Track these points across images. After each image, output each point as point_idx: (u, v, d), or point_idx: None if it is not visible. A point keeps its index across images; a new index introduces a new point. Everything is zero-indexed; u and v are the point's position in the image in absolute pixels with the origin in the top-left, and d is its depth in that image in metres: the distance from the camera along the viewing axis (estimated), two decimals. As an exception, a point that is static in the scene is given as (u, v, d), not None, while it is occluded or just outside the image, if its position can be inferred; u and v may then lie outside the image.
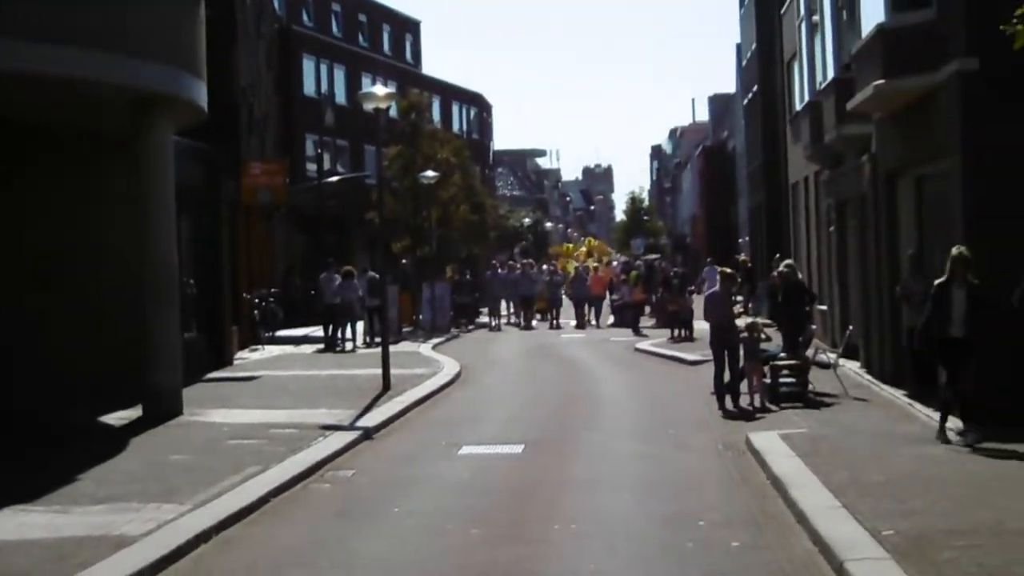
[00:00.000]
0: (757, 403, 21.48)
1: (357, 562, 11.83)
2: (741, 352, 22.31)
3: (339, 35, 68.37)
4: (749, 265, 49.28)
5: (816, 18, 31.31)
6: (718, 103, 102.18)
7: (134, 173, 21.24)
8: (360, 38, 71.80)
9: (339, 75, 62.92)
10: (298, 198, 49.24)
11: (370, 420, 20.88)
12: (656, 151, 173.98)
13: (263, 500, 14.43)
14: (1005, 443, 16.14)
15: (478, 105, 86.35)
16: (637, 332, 43.05)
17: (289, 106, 56.29)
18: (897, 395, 21.78)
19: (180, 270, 22.71)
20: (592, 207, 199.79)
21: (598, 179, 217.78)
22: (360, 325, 38.86)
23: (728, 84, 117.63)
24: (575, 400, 24.86)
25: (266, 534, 13.13)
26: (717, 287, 23.73)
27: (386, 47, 75.90)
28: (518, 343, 41.50)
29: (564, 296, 52.67)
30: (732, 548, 11.85)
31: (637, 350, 36.31)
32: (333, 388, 25.49)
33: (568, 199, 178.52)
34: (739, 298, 35.31)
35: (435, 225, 48.16)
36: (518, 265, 53.65)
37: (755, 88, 52.19)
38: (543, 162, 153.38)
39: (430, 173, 44.10)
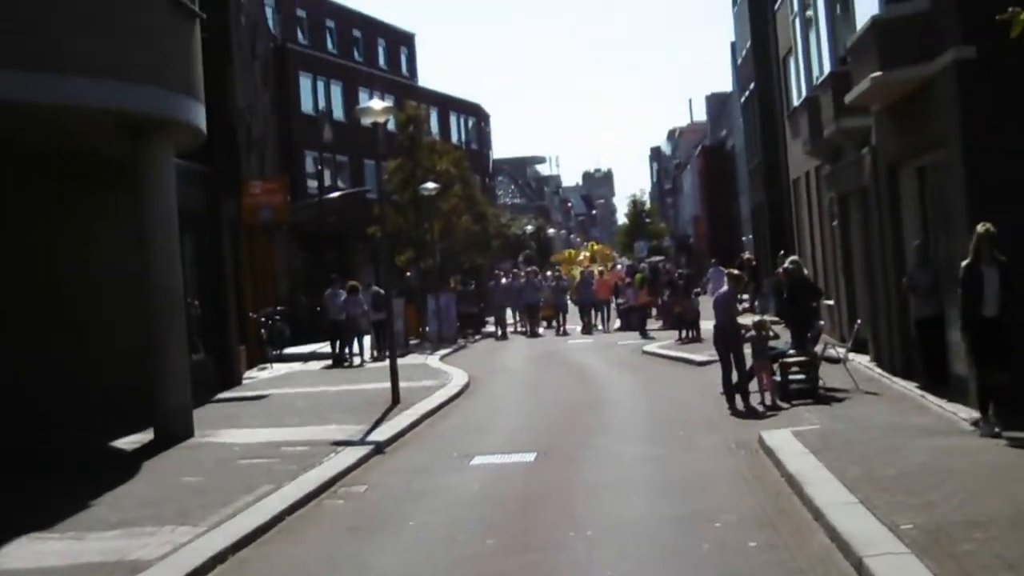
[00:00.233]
0: (768, 401, 21.43)
1: (373, 577, 11.80)
2: (748, 352, 22.27)
3: (334, 51, 68.44)
4: (754, 263, 49.31)
5: (810, 12, 31.28)
6: (715, 102, 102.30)
7: (135, 196, 21.24)
8: (355, 53, 71.87)
9: (336, 91, 63.00)
10: (299, 215, 49.22)
11: (381, 434, 20.84)
12: (655, 153, 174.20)
13: (277, 519, 14.39)
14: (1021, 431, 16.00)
15: (476, 115, 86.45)
16: (644, 335, 43.05)
17: (287, 124, 56.38)
18: (909, 387, 21.73)
19: (185, 292, 22.69)
20: (594, 212, 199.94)
21: (598, 183, 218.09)
22: (367, 340, 38.87)
23: (724, 83, 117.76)
24: (585, 406, 24.80)
25: (282, 552, 13.09)
26: (725, 288, 23.68)
27: (382, 61, 75.98)
28: (525, 351, 41.48)
29: (569, 302, 52.66)
30: (749, 548, 11.79)
31: (645, 353, 36.28)
32: (343, 404, 25.46)
33: (569, 205, 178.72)
34: (744, 297, 35.35)
35: (438, 237, 48.18)
36: (522, 273, 53.69)
37: (752, 85, 52.17)
38: (543, 169, 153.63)
39: (430, 185, 44.11)
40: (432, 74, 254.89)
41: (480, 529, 13.58)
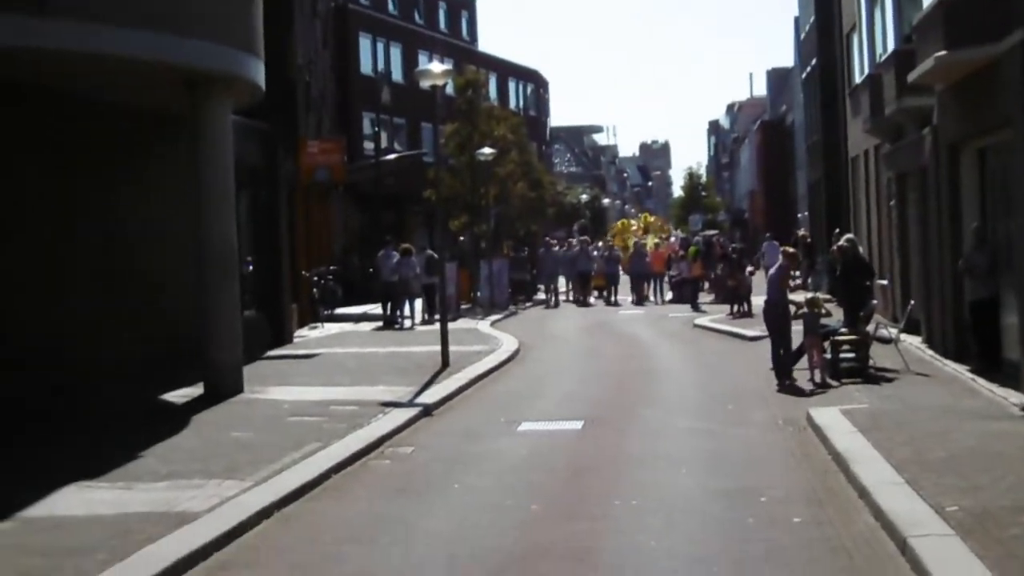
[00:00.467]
0: (817, 379, 21.33)
1: (417, 538, 11.84)
2: (798, 329, 22.15)
3: (395, 13, 68.39)
4: (808, 240, 49.12)
5: (876, -10, 31.03)
6: (776, 77, 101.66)
7: (193, 152, 21.35)
8: (416, 16, 71.78)
9: (395, 53, 62.98)
10: (356, 176, 49.37)
11: (429, 397, 20.91)
12: (713, 126, 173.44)
13: (324, 476, 14.48)
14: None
15: (534, 82, 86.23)
16: (696, 308, 42.94)
17: (346, 85, 56.45)
18: (960, 370, 21.58)
19: (240, 249, 22.79)
20: (650, 183, 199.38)
21: (655, 155, 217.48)
22: (419, 303, 38.94)
23: (786, 58, 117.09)
24: (634, 376, 24.80)
25: (327, 510, 13.17)
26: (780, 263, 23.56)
27: (442, 25, 75.85)
28: (576, 320, 41.47)
29: (621, 272, 52.58)
30: (793, 524, 11.78)
31: (696, 326, 36.20)
32: (392, 365, 25.55)
33: (625, 175, 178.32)
34: (796, 274, 35.17)
35: (493, 202, 48.15)
36: (575, 242, 53.65)
37: (813, 61, 51.80)
38: (600, 138, 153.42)
39: (487, 150, 44.06)
40: (492, 39, 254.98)
41: (526, 494, 13.61)
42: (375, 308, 39.64)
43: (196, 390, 21.09)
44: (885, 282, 31.78)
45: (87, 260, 22.28)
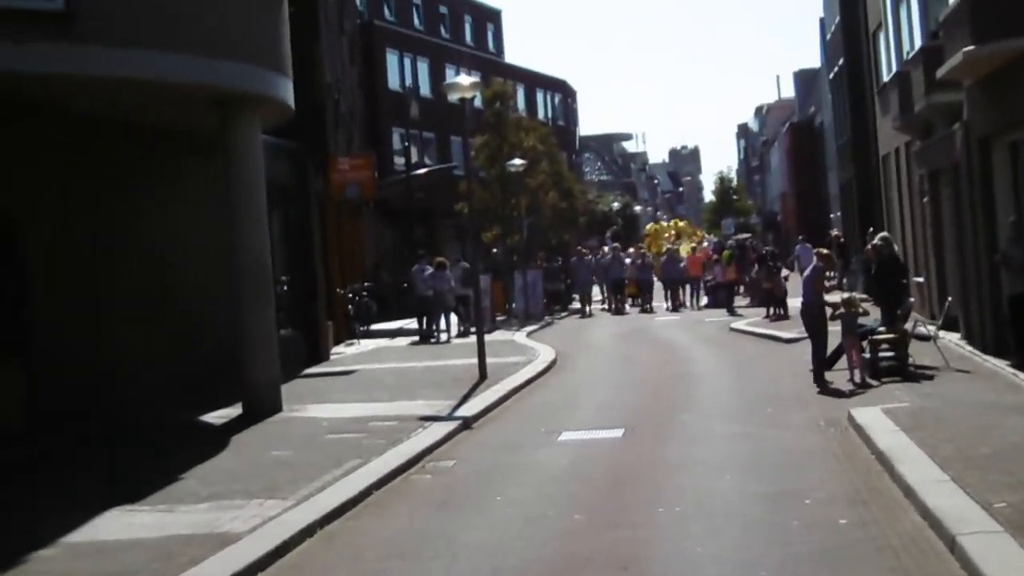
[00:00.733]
0: (857, 378, 21.23)
1: (460, 552, 11.79)
2: (836, 330, 22.06)
3: (421, 28, 68.56)
4: (842, 240, 48.91)
5: (901, -13, 30.90)
6: (803, 79, 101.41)
7: (225, 172, 21.41)
8: (442, 30, 71.98)
9: (422, 67, 63.16)
10: (387, 192, 49.43)
11: (468, 410, 20.88)
12: (742, 130, 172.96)
13: (365, 493, 14.45)
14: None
15: (562, 91, 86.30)
16: (731, 312, 42.83)
17: (374, 100, 56.64)
18: (1001, 365, 21.44)
19: (273, 267, 22.84)
20: (680, 189, 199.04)
21: (685, 160, 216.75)
22: (454, 316, 38.94)
23: (813, 59, 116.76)
24: (672, 382, 24.73)
25: (369, 527, 13.15)
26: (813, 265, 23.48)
27: (468, 38, 76.02)
28: (612, 328, 41.41)
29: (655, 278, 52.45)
30: (839, 525, 11.69)
31: (732, 330, 36.10)
32: (430, 379, 25.54)
33: (656, 182, 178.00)
34: (831, 275, 35.01)
35: (524, 213, 48.16)
36: (607, 249, 53.57)
37: (841, 61, 51.64)
38: (629, 146, 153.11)
39: (517, 161, 44.07)
40: (519, 51, 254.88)
41: (569, 505, 13.56)
42: (410, 323, 39.66)
43: (234, 410, 21.13)
44: (921, 279, 31.62)
45: (124, 282, 22.31)
